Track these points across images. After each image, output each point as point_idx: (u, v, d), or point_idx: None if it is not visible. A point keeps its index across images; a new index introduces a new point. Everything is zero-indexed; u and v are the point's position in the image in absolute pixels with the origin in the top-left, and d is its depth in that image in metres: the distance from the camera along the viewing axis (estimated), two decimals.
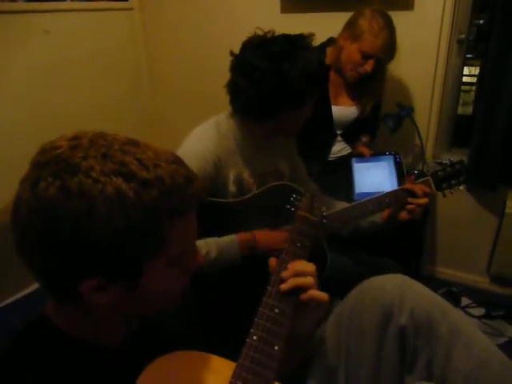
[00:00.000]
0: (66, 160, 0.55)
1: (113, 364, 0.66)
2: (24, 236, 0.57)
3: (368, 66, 1.68)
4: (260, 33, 1.23)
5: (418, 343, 0.88)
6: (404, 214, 1.31)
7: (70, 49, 2.15)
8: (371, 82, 1.78)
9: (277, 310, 0.75)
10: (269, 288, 0.78)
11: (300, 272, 0.78)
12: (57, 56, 2.09)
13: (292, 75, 1.15)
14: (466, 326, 0.88)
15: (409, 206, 1.30)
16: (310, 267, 0.80)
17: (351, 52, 1.69)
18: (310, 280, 0.77)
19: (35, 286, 1.54)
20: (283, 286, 0.77)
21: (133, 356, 0.65)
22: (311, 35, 1.24)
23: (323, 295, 0.77)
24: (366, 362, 0.91)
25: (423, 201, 1.30)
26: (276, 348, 0.69)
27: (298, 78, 1.16)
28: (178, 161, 0.61)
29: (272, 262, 0.83)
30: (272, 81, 1.16)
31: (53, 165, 0.55)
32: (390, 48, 1.68)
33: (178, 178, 0.58)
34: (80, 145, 0.57)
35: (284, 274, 0.79)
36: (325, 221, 1.09)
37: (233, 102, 1.28)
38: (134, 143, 0.60)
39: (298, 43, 1.20)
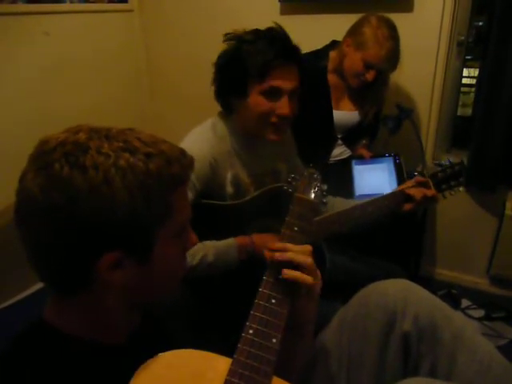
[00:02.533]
0: (73, 142, 0.59)
1: (113, 363, 0.66)
2: (38, 221, 0.58)
3: (369, 76, 1.67)
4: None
5: (422, 349, 0.88)
6: (407, 206, 1.32)
7: (70, 50, 2.15)
8: (374, 90, 1.77)
9: (273, 301, 0.72)
10: (265, 278, 0.76)
11: (291, 249, 0.79)
12: (56, 57, 2.08)
13: (221, 60, 1.20)
14: (468, 331, 0.88)
15: (411, 195, 1.31)
16: (303, 247, 0.79)
17: (354, 60, 1.67)
18: (302, 258, 0.77)
19: (35, 287, 1.54)
20: (277, 256, 0.77)
21: (133, 355, 0.65)
22: (278, 25, 1.21)
23: (306, 277, 0.76)
24: (368, 367, 0.91)
25: (430, 192, 1.31)
26: (274, 341, 0.67)
27: (225, 61, 1.20)
28: (167, 141, 0.67)
29: (268, 252, 0.82)
30: (216, 70, 1.22)
31: (60, 148, 0.58)
32: (392, 59, 1.66)
33: (174, 150, 0.65)
34: (81, 130, 0.61)
35: (274, 246, 0.79)
36: (324, 200, 1.03)
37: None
38: (128, 128, 0.65)
39: (247, 35, 1.20)
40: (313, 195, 0.99)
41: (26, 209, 0.59)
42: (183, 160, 0.65)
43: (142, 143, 0.61)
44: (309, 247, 0.80)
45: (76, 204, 0.56)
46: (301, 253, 0.78)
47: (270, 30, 1.19)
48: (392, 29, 1.64)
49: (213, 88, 1.26)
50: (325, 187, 1.04)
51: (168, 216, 0.63)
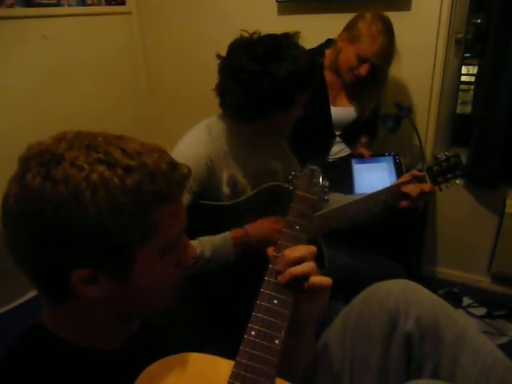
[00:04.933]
0: (50, 151, 0.57)
1: (110, 368, 0.66)
2: (15, 231, 0.58)
3: (362, 70, 1.67)
4: (246, 35, 1.24)
5: (425, 349, 0.88)
6: (404, 203, 1.32)
7: (68, 54, 2.15)
8: (370, 86, 1.77)
9: (276, 301, 0.71)
10: (266, 278, 0.75)
11: (296, 259, 0.74)
12: (54, 61, 2.08)
13: (279, 75, 1.16)
14: (471, 331, 0.88)
15: (408, 193, 1.31)
16: (307, 251, 0.75)
17: (348, 54, 1.68)
18: (307, 267, 0.73)
19: (35, 292, 1.54)
20: (280, 278, 0.73)
21: (131, 359, 0.65)
22: (297, 33, 1.23)
23: (326, 280, 0.73)
24: (371, 368, 0.90)
25: (427, 186, 1.31)
26: (276, 342, 0.67)
27: (286, 77, 1.16)
28: (161, 150, 0.63)
29: (270, 250, 0.79)
30: (260, 81, 1.17)
31: (38, 157, 0.57)
32: (386, 54, 1.67)
33: (161, 164, 0.60)
34: (64, 138, 0.59)
35: (279, 264, 0.74)
36: (326, 197, 1.02)
37: (222, 104, 1.29)
38: (118, 136, 0.62)
39: (284, 43, 1.20)
40: (314, 192, 0.98)
41: (6, 215, 0.58)
42: (171, 175, 0.60)
43: (124, 155, 0.58)
44: (312, 249, 0.76)
45: (44, 216, 0.55)
46: (302, 255, 0.74)
47: (285, 44, 1.21)
48: (386, 24, 1.65)
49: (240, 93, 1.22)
50: (327, 184, 1.04)
51: (149, 234, 0.60)
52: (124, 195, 0.56)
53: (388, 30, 1.65)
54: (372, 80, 1.73)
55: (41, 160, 0.56)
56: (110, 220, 0.56)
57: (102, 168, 0.56)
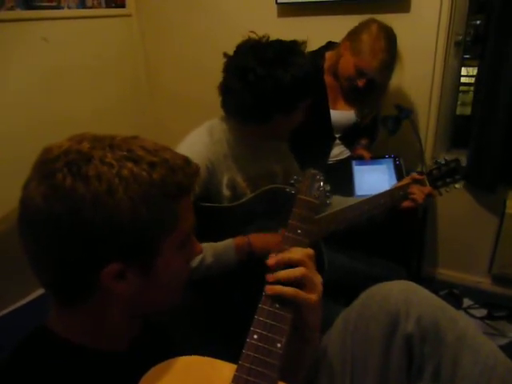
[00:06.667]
0: (76, 151, 0.58)
1: (115, 370, 0.66)
2: (41, 230, 0.58)
3: (361, 82, 1.67)
4: (255, 37, 1.24)
5: (425, 350, 0.87)
6: (407, 202, 1.34)
7: (68, 56, 2.15)
8: (369, 97, 1.77)
9: (277, 305, 0.72)
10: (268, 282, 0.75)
11: (287, 260, 0.74)
12: (55, 63, 2.09)
13: (285, 80, 1.16)
14: (472, 332, 0.87)
15: (412, 196, 1.33)
16: (301, 254, 0.75)
17: (347, 64, 1.68)
18: (293, 274, 0.73)
19: (36, 293, 1.54)
20: (266, 289, 0.73)
21: (136, 361, 0.65)
22: (304, 42, 1.24)
23: (284, 289, 0.72)
24: (371, 370, 0.90)
25: (427, 189, 1.33)
26: (278, 345, 0.67)
27: (291, 83, 1.17)
28: (171, 149, 0.66)
29: (269, 260, 0.77)
30: (265, 85, 1.17)
31: (64, 157, 0.58)
32: (385, 71, 1.66)
33: (177, 159, 0.64)
34: (84, 139, 0.61)
35: (269, 261, 0.75)
36: (328, 201, 1.03)
37: (224, 103, 1.29)
38: (133, 136, 0.65)
39: (291, 49, 1.21)
40: (316, 196, 0.98)
41: (29, 217, 0.59)
42: (187, 169, 0.64)
43: (145, 152, 0.61)
44: (309, 252, 0.77)
45: (79, 214, 0.56)
46: (296, 259, 0.74)
47: (293, 51, 1.22)
48: (390, 41, 1.64)
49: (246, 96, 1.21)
50: (328, 188, 1.05)
51: (173, 226, 0.63)
52: (153, 188, 0.59)
53: (391, 47, 1.64)
54: (370, 91, 1.72)
55: (68, 159, 0.57)
56: (143, 213, 0.58)
57: (130, 164, 0.58)
